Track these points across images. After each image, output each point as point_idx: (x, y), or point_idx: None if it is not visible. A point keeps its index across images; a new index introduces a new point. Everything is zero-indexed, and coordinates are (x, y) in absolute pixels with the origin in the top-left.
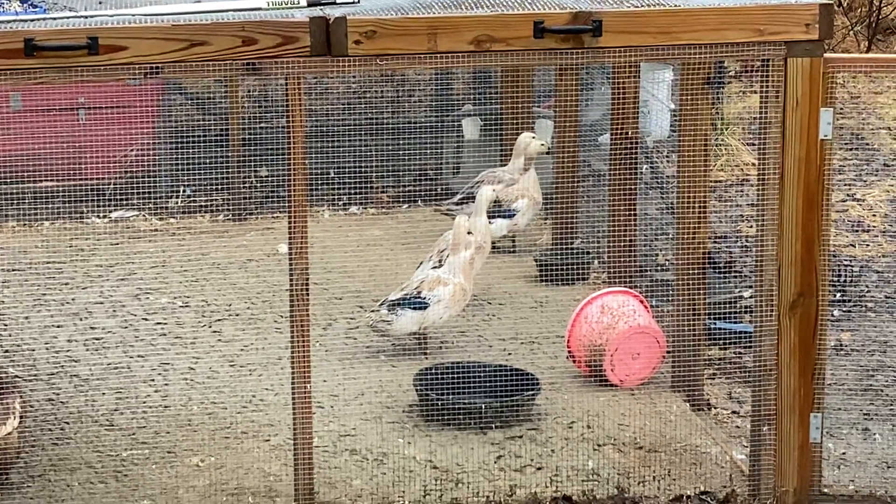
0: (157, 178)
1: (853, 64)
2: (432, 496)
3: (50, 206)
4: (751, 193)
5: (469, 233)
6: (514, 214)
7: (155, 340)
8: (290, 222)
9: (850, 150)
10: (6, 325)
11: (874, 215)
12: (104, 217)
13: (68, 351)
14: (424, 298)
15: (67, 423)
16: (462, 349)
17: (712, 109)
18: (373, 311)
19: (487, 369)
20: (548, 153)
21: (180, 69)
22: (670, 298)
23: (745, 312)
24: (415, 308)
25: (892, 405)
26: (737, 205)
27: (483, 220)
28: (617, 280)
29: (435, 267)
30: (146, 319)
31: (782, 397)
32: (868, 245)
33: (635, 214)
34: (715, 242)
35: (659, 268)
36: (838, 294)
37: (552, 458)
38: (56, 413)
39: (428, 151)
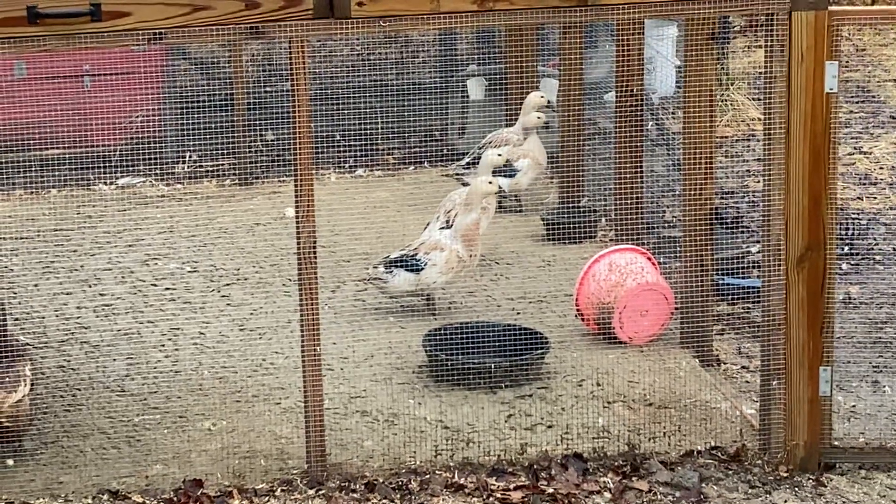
0: (164, 144)
1: (858, 16)
2: (443, 456)
3: (57, 173)
4: (758, 149)
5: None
6: (515, 173)
7: (164, 306)
8: (296, 185)
9: (857, 103)
10: (16, 293)
11: (881, 168)
12: (111, 184)
13: (78, 318)
14: (420, 261)
15: (79, 389)
16: (471, 309)
17: (717, 65)
18: (374, 266)
19: (496, 329)
20: (552, 108)
21: (184, 34)
22: (678, 255)
23: (753, 268)
24: (409, 269)
25: None
26: (744, 160)
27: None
28: (624, 238)
29: (443, 228)
30: (155, 285)
31: (791, 351)
32: (876, 198)
33: (642, 172)
34: (722, 198)
35: (666, 225)
36: (846, 247)
37: (562, 417)
38: (68, 380)
39: (433, 112)
